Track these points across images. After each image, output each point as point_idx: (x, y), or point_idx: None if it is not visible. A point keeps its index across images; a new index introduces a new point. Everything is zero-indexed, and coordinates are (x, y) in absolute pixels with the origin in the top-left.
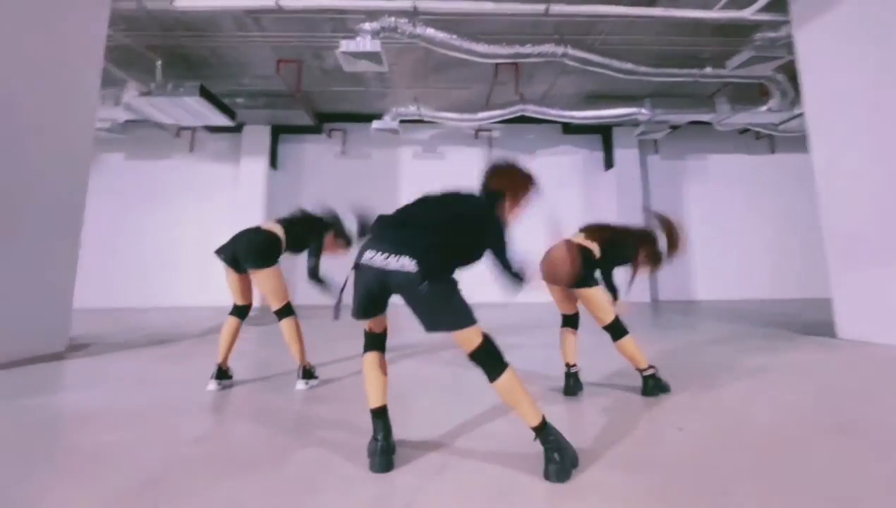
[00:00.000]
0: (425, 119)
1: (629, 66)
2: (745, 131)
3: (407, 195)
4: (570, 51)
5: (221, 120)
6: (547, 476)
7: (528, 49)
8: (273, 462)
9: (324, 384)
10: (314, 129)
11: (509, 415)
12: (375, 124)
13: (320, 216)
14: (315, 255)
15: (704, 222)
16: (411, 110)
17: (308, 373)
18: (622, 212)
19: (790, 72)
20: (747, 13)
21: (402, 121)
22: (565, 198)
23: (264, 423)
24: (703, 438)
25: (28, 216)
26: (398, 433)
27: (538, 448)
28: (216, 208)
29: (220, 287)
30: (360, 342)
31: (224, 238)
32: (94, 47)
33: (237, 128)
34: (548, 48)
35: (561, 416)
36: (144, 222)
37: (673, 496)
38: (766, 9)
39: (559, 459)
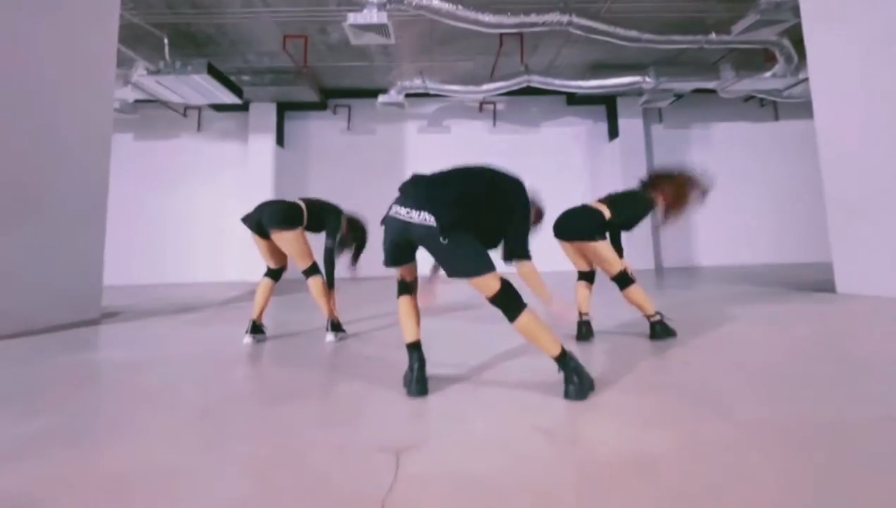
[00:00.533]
0: (430, 92)
1: (634, 33)
2: (749, 99)
3: (412, 169)
4: (576, 19)
5: (229, 97)
6: (567, 395)
7: (533, 18)
8: (318, 393)
9: (351, 337)
10: (319, 106)
11: (524, 356)
12: (381, 98)
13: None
14: (333, 236)
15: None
16: (416, 84)
17: (336, 326)
18: (627, 182)
19: (795, 36)
20: None
21: (407, 95)
22: (570, 169)
23: (303, 366)
24: (708, 369)
25: (60, 193)
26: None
27: (555, 378)
28: (225, 186)
29: (231, 263)
30: (384, 305)
31: (234, 216)
32: (108, 26)
33: (243, 107)
34: (553, 17)
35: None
36: (154, 201)
37: (678, 413)
38: None
39: (578, 381)
